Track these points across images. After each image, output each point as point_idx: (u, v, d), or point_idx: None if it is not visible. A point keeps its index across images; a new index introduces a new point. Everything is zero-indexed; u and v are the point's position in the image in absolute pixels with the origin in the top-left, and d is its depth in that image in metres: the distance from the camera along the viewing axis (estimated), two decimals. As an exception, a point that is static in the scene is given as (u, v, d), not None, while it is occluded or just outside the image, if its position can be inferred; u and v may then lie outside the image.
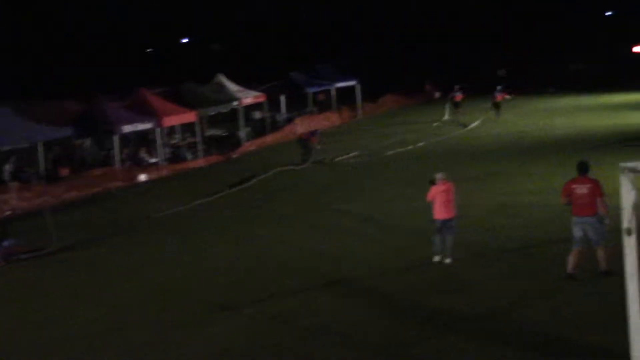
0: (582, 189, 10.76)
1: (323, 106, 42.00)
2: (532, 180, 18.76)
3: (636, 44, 61.24)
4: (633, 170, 6.37)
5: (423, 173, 17.49)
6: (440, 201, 12.38)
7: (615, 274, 9.95)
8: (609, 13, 67.70)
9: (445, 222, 12.33)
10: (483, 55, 62.89)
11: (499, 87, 36.59)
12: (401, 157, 25.45)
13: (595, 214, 10.67)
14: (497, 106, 35.18)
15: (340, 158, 26.16)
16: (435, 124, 34.33)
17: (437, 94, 49.63)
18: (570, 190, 10.88)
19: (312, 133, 27.18)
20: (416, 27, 66.79)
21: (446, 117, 36.83)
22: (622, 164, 6.40)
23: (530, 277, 11.32)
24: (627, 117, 31.17)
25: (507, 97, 37.17)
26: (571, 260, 10.88)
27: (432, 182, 12.56)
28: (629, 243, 6.64)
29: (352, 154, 26.68)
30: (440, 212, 12.37)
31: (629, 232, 6.59)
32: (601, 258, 10.72)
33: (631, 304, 6.65)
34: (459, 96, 38.63)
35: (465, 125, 32.46)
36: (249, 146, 31.77)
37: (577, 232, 10.81)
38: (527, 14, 65.95)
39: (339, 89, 42.02)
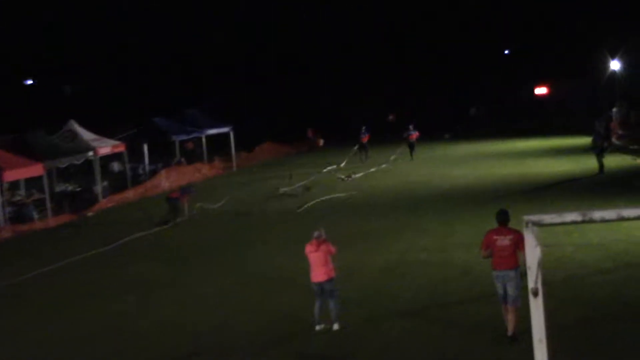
0: (503, 241, 10.89)
1: (192, 156, 41.45)
2: (427, 236, 19.02)
3: (538, 85, 65.35)
4: (538, 224, 6.40)
5: (306, 229, 17.37)
6: (314, 262, 12.20)
7: (521, 340, 10.07)
8: (506, 52, 71.51)
9: (322, 286, 12.14)
10: (371, 100, 64.69)
11: (412, 126, 40.07)
12: (282, 211, 25.30)
13: (517, 268, 10.78)
14: (411, 146, 39.16)
15: (217, 205, 25.83)
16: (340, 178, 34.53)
17: (321, 141, 50.46)
18: (491, 242, 10.98)
19: (185, 190, 25.99)
20: (297, 67, 68.11)
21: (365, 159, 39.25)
22: (526, 217, 6.42)
23: (428, 342, 11.29)
24: (530, 165, 32.66)
25: (414, 135, 39.54)
26: (508, 319, 10.91)
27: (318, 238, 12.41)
28: (536, 305, 6.64)
29: (218, 204, 26.55)
30: (316, 275, 12.18)
31: (535, 293, 6.58)
32: (511, 320, 10.82)
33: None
34: (365, 137, 40.50)
35: (348, 177, 32.93)
36: (106, 203, 30.70)
37: (499, 288, 10.93)
38: (419, 54, 68.52)
39: (210, 137, 41.67)
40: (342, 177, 33.09)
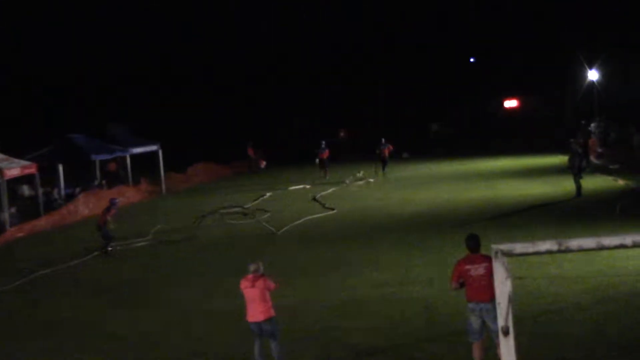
0: (478, 270, 10.86)
1: (115, 178, 40.97)
2: (383, 269, 18.99)
3: (508, 98, 66.56)
4: (508, 254, 6.44)
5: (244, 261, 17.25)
6: (250, 299, 12.07)
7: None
8: (472, 60, 72.61)
9: (260, 326, 12.04)
10: (324, 117, 65.59)
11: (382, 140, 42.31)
12: (217, 241, 25.12)
13: (494, 299, 10.74)
14: (383, 161, 41.55)
15: (146, 237, 25.63)
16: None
17: (263, 163, 50.50)
18: (464, 273, 10.96)
19: (108, 209, 25.49)
20: (236, 80, 68.61)
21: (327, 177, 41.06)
22: (495, 246, 6.46)
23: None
24: (499, 188, 33.13)
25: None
26: (477, 358, 10.92)
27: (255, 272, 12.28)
28: (507, 345, 6.68)
29: (145, 238, 26.32)
30: (252, 314, 12.07)
31: (505, 332, 6.62)
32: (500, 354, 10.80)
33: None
34: (325, 153, 42.70)
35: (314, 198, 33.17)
36: (15, 232, 30.05)
37: (474, 322, 10.90)
38: (372, 64, 69.35)
39: (135, 156, 41.26)
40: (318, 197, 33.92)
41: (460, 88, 67.83)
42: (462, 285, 11.08)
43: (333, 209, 29.76)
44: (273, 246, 23.42)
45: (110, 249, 24.42)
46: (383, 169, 41.75)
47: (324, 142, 43.41)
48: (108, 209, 25.06)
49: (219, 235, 26.38)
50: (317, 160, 43.01)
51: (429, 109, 68.39)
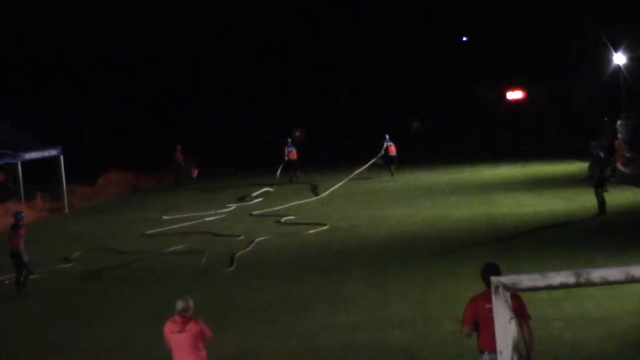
0: None
1: (2, 192, 40.46)
2: (350, 309, 18.96)
3: (511, 88, 67.02)
4: (512, 288, 6.33)
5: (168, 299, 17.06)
6: (178, 348, 11.96)
7: None
8: (465, 39, 72.97)
9: None
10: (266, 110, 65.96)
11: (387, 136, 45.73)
12: (144, 273, 24.93)
13: None
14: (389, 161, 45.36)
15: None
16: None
17: (195, 172, 50.37)
18: (483, 313, 10.88)
19: (16, 227, 24.95)
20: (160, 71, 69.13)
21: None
22: (495, 279, 6.35)
23: None
24: (499, 203, 33.20)
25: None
26: None
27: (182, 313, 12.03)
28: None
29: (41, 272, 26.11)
30: None
31: (509, 391, 6.54)
32: None
33: None
34: (292, 152, 45.31)
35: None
36: None
37: None
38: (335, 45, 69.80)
39: (29, 163, 40.80)
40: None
41: (449, 75, 68.17)
42: (474, 330, 11.01)
43: (325, 225, 29.97)
44: (210, 279, 23.25)
45: (23, 279, 24.06)
46: (390, 166, 45.42)
47: (290, 140, 46.64)
48: (15, 228, 24.59)
49: (147, 266, 26.25)
50: (286, 159, 45.49)
51: (409, 101, 68.65)
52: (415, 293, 19.59)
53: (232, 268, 24.57)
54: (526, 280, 6.43)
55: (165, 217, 35.39)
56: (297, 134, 66.30)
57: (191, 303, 12.13)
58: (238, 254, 26.29)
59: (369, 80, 69.83)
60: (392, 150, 46.47)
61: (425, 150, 57.34)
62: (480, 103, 68.81)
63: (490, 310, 10.72)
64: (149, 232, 32.09)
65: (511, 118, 65.11)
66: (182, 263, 26.17)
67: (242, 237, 29.39)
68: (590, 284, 6.27)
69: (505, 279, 6.42)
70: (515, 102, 69.25)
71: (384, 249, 25.76)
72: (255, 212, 35.19)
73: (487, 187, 38.43)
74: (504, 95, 69.58)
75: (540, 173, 42.60)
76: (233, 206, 37.83)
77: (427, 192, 38.55)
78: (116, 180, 47.21)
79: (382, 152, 46.53)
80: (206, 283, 22.81)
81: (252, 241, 28.35)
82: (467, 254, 22.89)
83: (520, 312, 10.54)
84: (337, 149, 61.49)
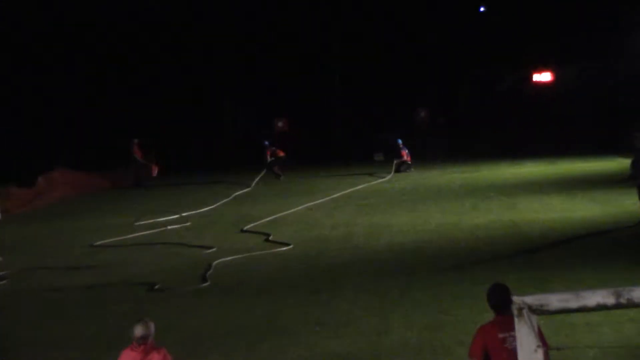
0: (513, 341, 10.68)
1: None
2: (342, 335, 18.97)
3: (538, 69, 67.00)
4: (539, 310, 6.39)
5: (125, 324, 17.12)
6: None
7: None
8: (482, 9, 72.81)
9: None
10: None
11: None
12: (80, 294, 24.93)
13: None
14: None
15: None
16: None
17: (155, 170, 50.32)
18: (493, 344, 10.90)
19: None
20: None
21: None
22: (518, 298, 6.41)
23: None
24: (523, 208, 33.31)
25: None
26: None
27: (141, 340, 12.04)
28: None
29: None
30: None
31: None
32: None
33: None
34: (280, 151, 48.18)
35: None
36: None
37: None
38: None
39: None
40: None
41: (464, 54, 68.10)
42: None
43: (289, 244, 29.71)
44: (176, 299, 23.23)
45: None
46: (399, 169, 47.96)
47: (267, 143, 49.10)
48: None
49: (97, 284, 26.17)
50: (272, 159, 47.97)
51: (416, 87, 68.56)
52: (423, 316, 19.56)
53: (205, 284, 24.55)
54: (556, 300, 6.48)
55: (122, 224, 35.39)
56: (280, 124, 66.41)
57: (153, 329, 12.13)
58: (209, 270, 26.29)
59: (367, 63, 69.58)
60: (404, 155, 48.75)
61: (434, 145, 57.39)
62: (501, 87, 68.79)
63: (504, 340, 10.80)
64: (99, 243, 32.00)
65: (537, 105, 65.04)
66: (141, 279, 26.12)
67: (215, 249, 29.45)
68: (632, 305, 6.32)
69: (531, 300, 6.47)
70: (543, 86, 69.19)
71: (384, 263, 25.78)
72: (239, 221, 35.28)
73: (508, 189, 38.55)
74: (530, 78, 69.52)
75: (572, 171, 42.75)
76: (205, 210, 37.89)
77: (437, 194, 38.67)
78: (60, 181, 47.00)
79: (397, 159, 48.90)
80: (171, 303, 22.75)
81: (214, 257, 28.46)
82: (485, 270, 22.91)
83: (541, 341, 10.51)
84: (327, 143, 61.75)
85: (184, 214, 36.95)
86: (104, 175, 50.57)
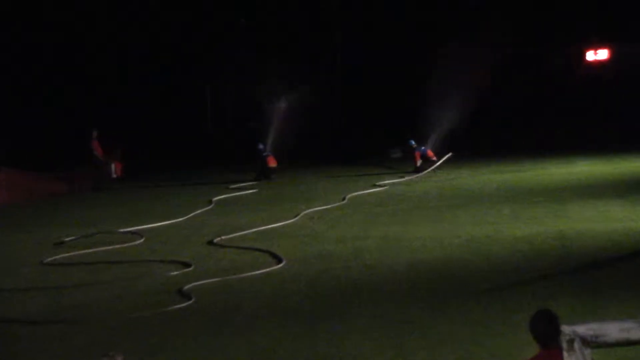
0: None
1: None
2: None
3: (590, 46, 66.93)
4: (594, 341, 6.48)
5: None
6: None
7: None
8: None
9: None
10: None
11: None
12: (35, 324, 24.99)
13: None
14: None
15: None
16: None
17: (118, 168, 50.44)
18: None
19: None
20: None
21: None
22: (568, 329, 6.51)
23: None
24: (575, 216, 33.52)
25: None
26: None
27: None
28: None
29: None
30: None
31: None
32: None
33: None
34: (271, 159, 49.67)
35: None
36: None
37: None
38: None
39: None
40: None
41: (498, 30, 68.12)
42: None
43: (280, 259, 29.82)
44: (148, 328, 23.22)
45: None
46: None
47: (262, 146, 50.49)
48: None
49: (54, 310, 26.26)
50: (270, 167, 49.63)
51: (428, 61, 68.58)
52: (450, 351, 19.56)
53: (182, 311, 24.64)
54: (615, 330, 6.53)
55: (69, 239, 35.40)
56: (252, 124, 66.07)
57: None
58: (187, 295, 26.34)
59: (375, 39, 69.74)
60: (430, 155, 50.51)
61: (465, 140, 57.37)
62: (547, 68, 68.76)
63: None
64: (51, 259, 31.96)
65: (591, 89, 65.01)
66: (103, 305, 26.24)
67: (192, 268, 29.48)
68: None
69: (583, 330, 6.53)
70: (598, 66, 69.15)
71: (403, 286, 25.79)
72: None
73: (557, 193, 38.57)
74: (582, 57, 69.52)
75: (635, 171, 42.71)
76: (181, 219, 38.02)
77: (469, 200, 38.71)
78: (5, 184, 47.11)
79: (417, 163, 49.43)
80: (142, 333, 22.81)
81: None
82: (526, 293, 22.93)
83: None
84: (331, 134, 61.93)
85: (155, 224, 37.07)
86: (59, 177, 50.57)
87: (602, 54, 68.77)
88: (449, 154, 49.23)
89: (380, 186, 44.56)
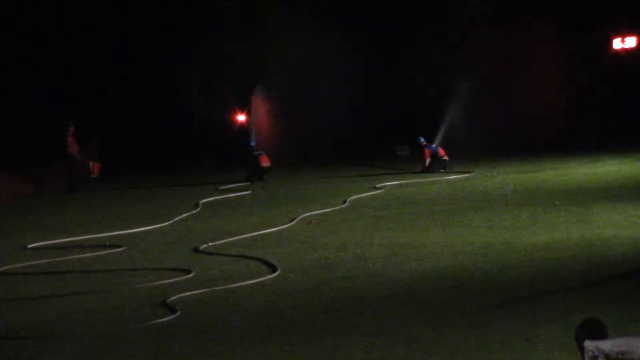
0: None
1: None
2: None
3: (618, 33, 66.99)
4: (619, 359, 6.57)
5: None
6: None
7: None
8: None
9: None
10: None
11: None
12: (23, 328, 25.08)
13: None
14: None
15: None
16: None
17: (96, 168, 50.56)
18: None
19: None
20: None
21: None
22: (592, 345, 6.59)
23: None
24: (600, 223, 33.45)
25: None
26: None
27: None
28: None
29: None
30: None
31: None
32: None
33: None
34: (264, 157, 50.20)
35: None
36: None
37: None
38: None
39: None
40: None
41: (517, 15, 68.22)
42: None
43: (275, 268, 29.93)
44: (135, 341, 23.21)
45: None
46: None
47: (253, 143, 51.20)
48: None
49: (23, 325, 26.26)
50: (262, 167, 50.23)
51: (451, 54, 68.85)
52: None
53: (165, 326, 24.70)
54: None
55: (36, 245, 35.51)
56: (242, 118, 65.79)
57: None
58: (172, 308, 26.40)
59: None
60: (442, 153, 51.36)
61: (478, 136, 57.47)
62: (571, 57, 68.80)
63: None
64: (7, 267, 32.17)
65: (618, 79, 65.01)
66: (79, 320, 26.25)
67: (176, 279, 29.55)
68: None
69: (609, 346, 6.59)
70: (626, 54, 69.17)
71: (411, 297, 25.80)
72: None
73: (580, 196, 38.63)
74: (609, 44, 69.55)
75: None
76: (165, 224, 38.11)
77: (483, 202, 38.78)
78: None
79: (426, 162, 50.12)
80: (122, 350, 22.77)
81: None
82: (547, 305, 22.98)
83: None
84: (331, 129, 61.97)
85: (135, 230, 37.16)
86: (27, 177, 50.62)
87: (631, 41, 68.79)
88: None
89: (384, 188, 44.62)
